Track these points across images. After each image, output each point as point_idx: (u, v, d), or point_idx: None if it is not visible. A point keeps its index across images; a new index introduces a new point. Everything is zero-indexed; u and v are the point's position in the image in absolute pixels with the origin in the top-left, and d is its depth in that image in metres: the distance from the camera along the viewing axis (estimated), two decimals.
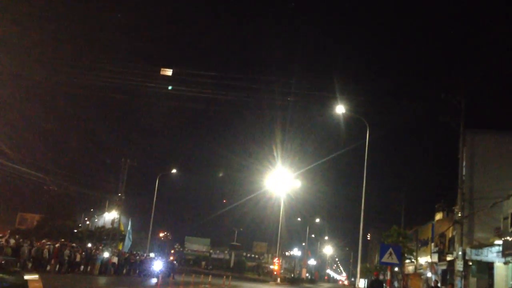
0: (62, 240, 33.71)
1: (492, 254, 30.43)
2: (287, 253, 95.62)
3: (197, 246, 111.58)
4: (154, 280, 31.25)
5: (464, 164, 34.31)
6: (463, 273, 32.34)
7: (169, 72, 27.33)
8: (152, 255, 44.65)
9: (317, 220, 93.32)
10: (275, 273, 55.82)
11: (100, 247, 38.90)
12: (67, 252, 29.26)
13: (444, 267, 38.05)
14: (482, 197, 31.39)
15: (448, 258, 36.39)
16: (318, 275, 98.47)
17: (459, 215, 33.26)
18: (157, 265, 36.78)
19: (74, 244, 33.46)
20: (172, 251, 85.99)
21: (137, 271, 36.78)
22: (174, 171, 55.35)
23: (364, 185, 30.37)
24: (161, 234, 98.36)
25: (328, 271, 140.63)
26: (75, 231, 50.10)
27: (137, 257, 38.53)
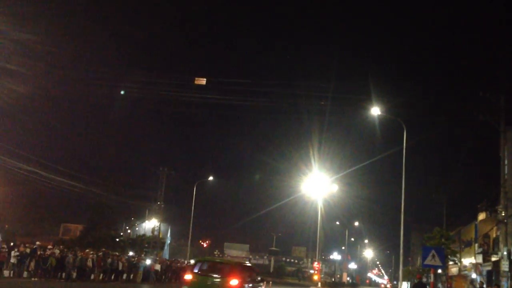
0: (104, 249, 34.48)
1: None
2: (327, 257, 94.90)
3: (236, 252, 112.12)
4: None
5: (506, 162, 33.46)
6: (509, 273, 31.49)
7: (203, 81, 27.72)
8: (192, 261, 44.98)
9: (356, 223, 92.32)
10: (315, 277, 55.47)
11: (142, 255, 39.55)
12: (109, 260, 29.89)
13: (489, 268, 37.09)
14: None
15: (493, 259, 35.45)
16: (359, 278, 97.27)
17: (503, 214, 32.42)
18: None
19: (116, 253, 34.13)
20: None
21: (179, 278, 37.21)
22: (211, 178, 55.83)
23: (403, 186, 29.89)
24: (204, 243, 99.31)
25: (370, 274, 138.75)
26: (117, 240, 51.11)
27: (178, 264, 38.99)
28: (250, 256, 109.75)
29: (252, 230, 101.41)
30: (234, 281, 15.75)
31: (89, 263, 28.08)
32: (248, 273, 17.81)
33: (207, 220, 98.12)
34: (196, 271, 16.79)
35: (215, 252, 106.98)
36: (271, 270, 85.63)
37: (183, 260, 45.77)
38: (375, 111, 31.11)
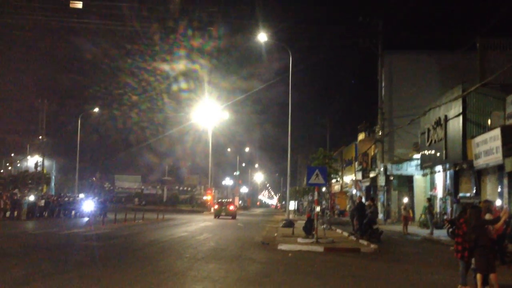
0: None
1: (411, 168, 32.48)
2: (220, 184, 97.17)
3: (128, 183, 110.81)
4: (86, 220, 30.87)
5: (383, 84, 35.62)
6: (385, 187, 34.45)
7: (79, 4, 25.70)
8: (81, 195, 43.77)
9: (247, 149, 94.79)
10: (208, 203, 56.72)
11: (25, 191, 37.64)
12: None
13: (368, 184, 40.20)
14: (401, 116, 32.96)
15: (371, 175, 38.41)
16: (250, 201, 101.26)
17: (380, 133, 34.92)
18: (88, 205, 36.21)
19: None
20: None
21: (67, 212, 36.09)
22: (96, 109, 53.46)
23: (290, 110, 30.76)
24: (94, 178, 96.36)
25: (260, 197, 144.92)
26: None
27: (66, 199, 37.67)
28: (143, 187, 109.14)
29: (144, 161, 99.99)
30: (231, 207, 40.38)
31: None
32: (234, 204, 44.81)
33: (96, 154, 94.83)
34: (218, 202, 43.08)
35: (106, 185, 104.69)
36: (165, 199, 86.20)
37: (70, 194, 44.28)
38: (262, 37, 31.13)
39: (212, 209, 54.46)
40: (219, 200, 46.66)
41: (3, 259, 11.84)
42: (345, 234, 21.39)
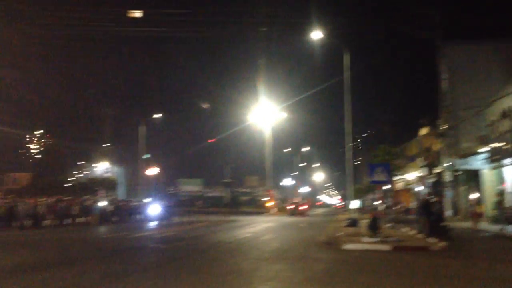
0: (58, 195, 33.92)
1: (478, 162, 31.20)
2: (279, 184, 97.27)
3: (190, 187, 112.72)
4: (152, 223, 31.79)
5: (444, 77, 34.50)
6: (452, 183, 33.32)
7: (138, 13, 26.45)
8: (148, 200, 45.11)
9: (306, 149, 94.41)
10: (269, 204, 57.02)
11: (96, 197, 39.23)
12: (62, 205, 29.47)
13: (433, 180, 39.00)
14: (465, 108, 31.77)
15: (437, 171, 37.26)
16: (311, 201, 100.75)
17: (443, 127, 33.82)
18: (154, 209, 37.30)
19: (69, 197, 33.64)
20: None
21: (135, 216, 37.30)
22: (158, 115, 54.93)
23: (347, 103, 30.37)
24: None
25: (321, 197, 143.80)
26: (67, 185, 50.29)
27: (132, 204, 38.96)
28: (205, 190, 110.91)
29: (205, 164, 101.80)
30: (304, 206, 51.78)
31: (40, 210, 27.60)
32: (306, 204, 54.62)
33: (160, 158, 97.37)
34: (292, 203, 52.59)
35: (170, 189, 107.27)
36: (226, 201, 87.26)
37: (137, 199, 45.73)
38: (317, 35, 30.90)
39: (272, 210, 54.84)
40: (293, 201, 55.71)
41: (79, 263, 12.41)
42: (412, 232, 20.86)
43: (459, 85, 34.18)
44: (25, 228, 25.94)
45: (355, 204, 50.39)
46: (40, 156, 53.79)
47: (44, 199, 29.99)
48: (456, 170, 32.69)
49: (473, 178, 32.97)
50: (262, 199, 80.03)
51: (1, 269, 11.12)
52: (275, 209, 55.65)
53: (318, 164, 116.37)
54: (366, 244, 16.17)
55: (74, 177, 56.16)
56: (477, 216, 24.04)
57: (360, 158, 74.86)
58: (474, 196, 28.75)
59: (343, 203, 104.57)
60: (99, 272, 10.69)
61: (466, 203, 31.79)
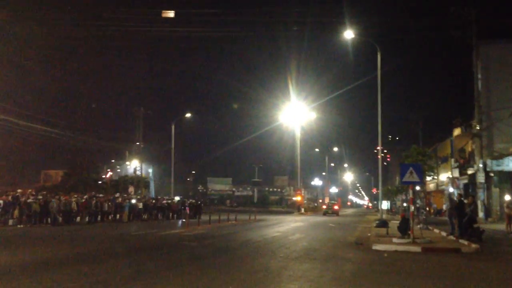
0: (90, 192, 34.61)
1: None
2: (309, 184, 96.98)
3: (219, 186, 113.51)
4: (182, 221, 32.13)
5: (479, 76, 33.79)
6: (485, 184, 32.62)
7: (171, 13, 26.77)
8: (177, 198, 45.60)
9: (335, 149, 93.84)
10: (298, 204, 56.98)
11: (126, 195, 39.85)
12: (94, 202, 30.07)
13: (466, 181, 38.32)
14: (499, 108, 31.10)
15: (469, 172, 36.56)
16: (340, 201, 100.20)
17: (477, 128, 33.13)
18: (184, 207, 37.71)
19: (101, 195, 34.28)
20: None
21: (165, 214, 37.78)
22: (188, 114, 55.54)
23: (379, 103, 29.95)
24: (189, 179, 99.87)
25: (350, 197, 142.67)
26: (100, 182, 51.22)
27: (163, 202, 39.46)
28: (234, 189, 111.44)
29: (234, 163, 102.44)
30: (336, 206, 54.12)
31: (74, 206, 28.21)
32: (338, 204, 61.72)
33: (190, 157, 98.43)
34: (326, 203, 59.48)
35: (199, 188, 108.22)
36: (255, 200, 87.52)
37: (167, 197, 46.26)
38: (349, 34, 30.69)
39: (301, 210, 54.78)
40: (326, 202, 62.89)
41: (111, 259, 12.64)
42: (443, 233, 20.53)
43: (494, 84, 33.46)
44: (58, 224, 26.56)
45: (385, 204, 49.87)
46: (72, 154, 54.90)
47: (76, 196, 30.64)
48: (490, 172, 31.99)
49: (507, 180, 32.22)
50: (291, 199, 80.00)
51: (40, 263, 11.45)
52: (304, 209, 55.60)
53: (347, 165, 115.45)
54: (396, 245, 16.00)
55: (106, 175, 57.13)
56: (510, 219, 23.47)
57: (389, 158, 73.87)
58: (507, 198, 28.08)
59: (371, 204, 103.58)
60: (131, 268, 10.89)
61: (499, 205, 31.08)
